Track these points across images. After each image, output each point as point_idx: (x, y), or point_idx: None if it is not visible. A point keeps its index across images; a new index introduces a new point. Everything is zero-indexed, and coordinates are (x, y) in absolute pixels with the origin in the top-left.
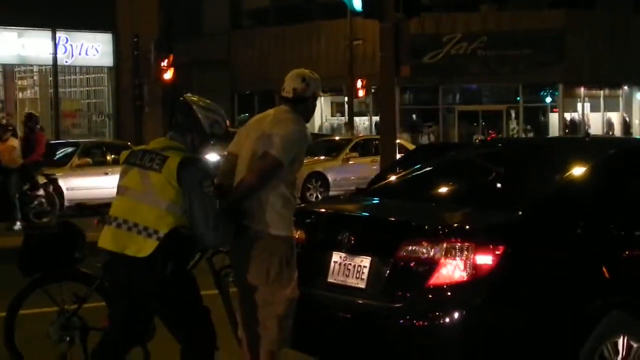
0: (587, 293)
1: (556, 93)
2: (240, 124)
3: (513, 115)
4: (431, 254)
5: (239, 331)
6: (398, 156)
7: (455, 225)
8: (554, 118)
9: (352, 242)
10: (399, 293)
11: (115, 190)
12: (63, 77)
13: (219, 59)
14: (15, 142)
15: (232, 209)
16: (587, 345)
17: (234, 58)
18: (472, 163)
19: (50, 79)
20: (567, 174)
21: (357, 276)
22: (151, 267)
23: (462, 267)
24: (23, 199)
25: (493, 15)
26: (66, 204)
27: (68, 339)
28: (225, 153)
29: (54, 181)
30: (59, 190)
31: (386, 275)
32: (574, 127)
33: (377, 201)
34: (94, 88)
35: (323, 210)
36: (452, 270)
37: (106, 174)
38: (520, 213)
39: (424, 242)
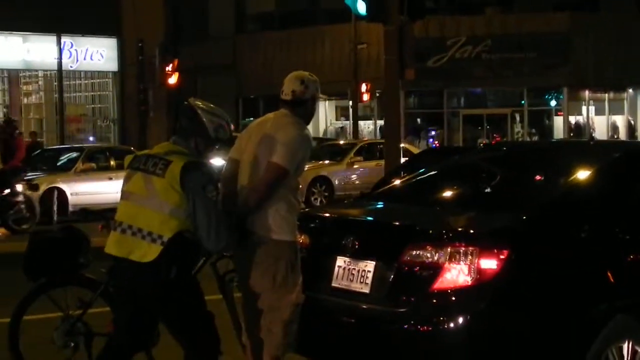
0: (592, 297)
1: (561, 96)
2: (245, 128)
3: (518, 118)
4: (435, 258)
5: (243, 337)
6: (402, 160)
7: (460, 229)
8: (558, 121)
9: (356, 246)
10: (403, 298)
11: (119, 195)
12: (68, 82)
13: (224, 63)
14: None
15: (241, 220)
16: (592, 349)
17: (238, 62)
18: (476, 167)
19: (55, 83)
20: (572, 178)
21: (361, 281)
22: (155, 272)
23: (466, 271)
24: (2, 205)
25: (498, 18)
26: (70, 209)
27: (72, 344)
28: (227, 158)
29: (34, 187)
30: (63, 196)
31: (390, 279)
32: (578, 131)
33: (381, 205)
34: (98, 93)
35: (327, 214)
36: (457, 274)
37: (110, 178)
38: (524, 217)
39: (428, 247)
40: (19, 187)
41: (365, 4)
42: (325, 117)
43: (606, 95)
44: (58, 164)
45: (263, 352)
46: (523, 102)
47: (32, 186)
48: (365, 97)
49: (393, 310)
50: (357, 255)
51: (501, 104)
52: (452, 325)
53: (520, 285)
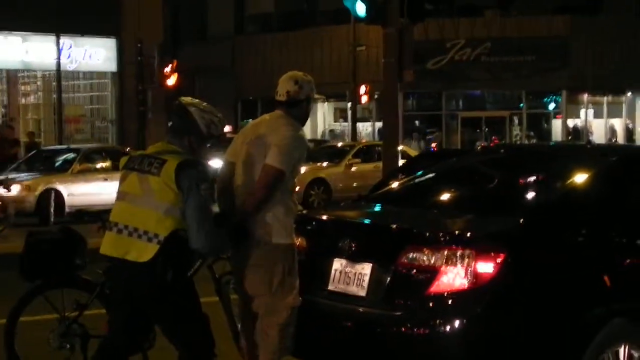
0: (588, 301)
1: (559, 99)
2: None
3: (516, 121)
4: (432, 261)
5: (241, 340)
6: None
7: (456, 232)
8: (557, 124)
9: (353, 249)
10: (399, 301)
11: (115, 195)
12: (66, 83)
13: (223, 64)
14: None
15: (240, 225)
16: (589, 353)
17: (237, 64)
18: (473, 170)
19: (54, 84)
20: (569, 181)
21: (358, 284)
22: (152, 272)
23: (463, 274)
24: None
25: (497, 21)
26: (67, 210)
27: (68, 346)
28: (223, 160)
29: (7, 186)
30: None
31: (387, 282)
32: (577, 134)
33: (379, 208)
34: (97, 93)
35: (324, 217)
36: (453, 277)
37: (106, 179)
38: (521, 220)
39: (425, 250)
40: None
41: (365, 6)
42: (324, 118)
43: (604, 98)
44: (55, 165)
45: (259, 355)
46: (522, 105)
47: (5, 185)
48: (364, 99)
49: (389, 314)
50: (354, 257)
51: (500, 107)
52: (448, 328)
53: (517, 288)
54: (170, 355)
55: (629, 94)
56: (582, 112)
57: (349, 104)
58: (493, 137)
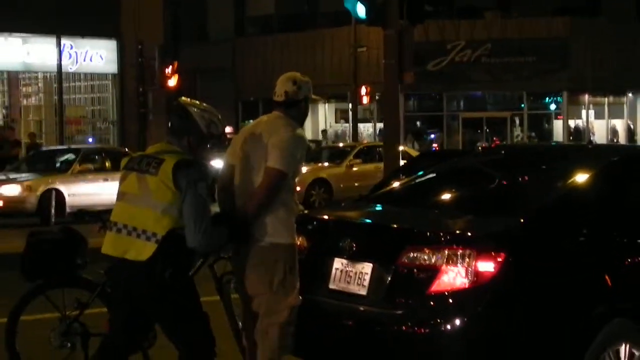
0: (589, 300)
1: (560, 100)
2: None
3: (517, 122)
4: (433, 260)
5: (244, 339)
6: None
7: (457, 232)
8: (558, 125)
9: (354, 248)
10: (400, 300)
11: (115, 196)
12: (67, 84)
13: (224, 66)
14: None
15: (241, 225)
16: (590, 352)
17: (238, 65)
18: (474, 170)
19: (55, 85)
20: (570, 181)
21: (359, 283)
22: (151, 271)
23: (463, 274)
24: None
25: (497, 22)
26: (67, 210)
27: (69, 345)
28: (224, 162)
29: None
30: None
31: (388, 282)
32: (578, 135)
33: (380, 208)
34: (98, 95)
35: (325, 216)
36: (454, 277)
37: (106, 180)
38: (522, 220)
39: (425, 249)
40: None
41: (365, 7)
42: (325, 119)
43: (606, 99)
44: (56, 165)
45: (259, 354)
46: (523, 105)
47: None
48: (365, 100)
49: (390, 313)
50: (355, 257)
51: (501, 108)
52: (449, 327)
53: (518, 288)
54: (171, 354)
55: (630, 94)
56: (583, 112)
57: (350, 105)
58: (494, 138)
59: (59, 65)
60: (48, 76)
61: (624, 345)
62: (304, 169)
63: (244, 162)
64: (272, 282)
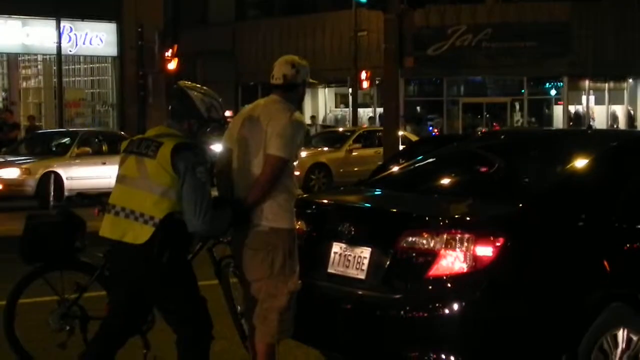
0: (587, 285)
1: (561, 85)
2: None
3: (517, 107)
4: (431, 245)
5: (244, 323)
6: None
7: (456, 216)
8: (558, 111)
9: (353, 232)
10: (399, 284)
11: (113, 179)
12: (67, 67)
13: (224, 49)
14: None
15: (240, 209)
16: (587, 337)
17: (238, 49)
18: (473, 155)
19: (54, 68)
20: (569, 166)
21: (357, 267)
22: (149, 254)
23: (462, 258)
24: None
25: (498, 7)
26: (66, 193)
27: (68, 328)
28: (221, 146)
29: None
30: (59, 180)
31: (386, 266)
32: (578, 120)
33: (378, 192)
34: (98, 78)
35: (324, 201)
36: (452, 261)
37: (104, 163)
38: (520, 205)
39: (424, 233)
40: None
41: None
42: (325, 104)
43: (606, 85)
44: (53, 148)
45: (256, 338)
46: (523, 91)
47: None
48: (365, 84)
49: (388, 297)
50: (354, 241)
51: (501, 93)
52: (447, 311)
53: (516, 272)
54: (169, 337)
55: (631, 80)
56: (584, 98)
57: (350, 90)
58: (494, 123)
59: (59, 48)
60: (48, 59)
61: (621, 330)
62: (303, 154)
63: (242, 146)
64: (272, 267)
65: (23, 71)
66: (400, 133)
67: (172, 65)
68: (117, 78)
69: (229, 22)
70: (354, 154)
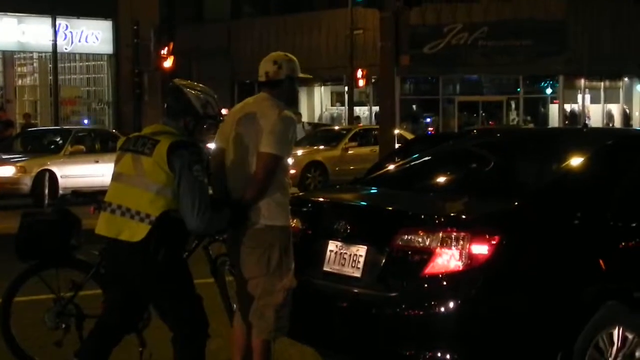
0: (582, 283)
1: (556, 84)
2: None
3: (513, 106)
4: (427, 243)
5: (234, 321)
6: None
7: (451, 214)
8: (554, 109)
9: (348, 231)
10: (394, 282)
11: (107, 177)
12: (63, 64)
13: (220, 47)
14: None
15: (237, 208)
16: (583, 335)
17: (234, 47)
18: (469, 153)
19: (50, 65)
20: (564, 164)
21: (353, 265)
22: (145, 252)
23: (457, 256)
24: None
25: (494, 5)
26: (60, 192)
27: (64, 326)
28: (214, 145)
29: None
30: (53, 179)
31: (382, 264)
32: (574, 119)
33: (374, 190)
34: (93, 75)
35: (320, 199)
36: (448, 259)
37: (97, 162)
38: (516, 203)
39: (419, 232)
40: None
41: None
42: (321, 102)
43: (602, 83)
44: (48, 146)
45: (252, 336)
46: (519, 89)
47: None
48: (361, 82)
49: (384, 295)
50: (349, 239)
51: (497, 91)
52: (442, 310)
53: (511, 270)
54: (165, 335)
55: (626, 79)
56: (579, 97)
57: (346, 88)
58: (490, 122)
59: (54, 46)
60: (43, 56)
61: (617, 328)
62: (299, 152)
63: (235, 145)
64: (269, 264)
65: (19, 69)
66: (396, 131)
67: (167, 63)
68: (112, 76)
69: (224, 19)
70: (349, 152)
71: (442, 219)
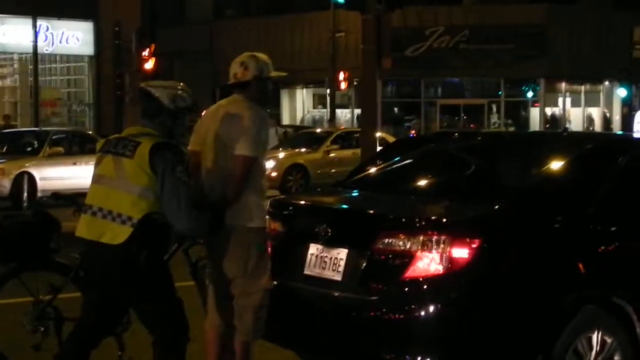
0: (562, 287)
1: (537, 88)
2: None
3: (494, 109)
4: (407, 246)
5: (206, 323)
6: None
7: (432, 217)
8: (535, 113)
9: (329, 234)
10: (375, 285)
11: (86, 179)
12: (43, 66)
13: (202, 48)
14: None
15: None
16: (562, 339)
17: (216, 48)
18: (450, 156)
19: (31, 67)
20: (545, 168)
21: (334, 268)
22: (126, 254)
23: (438, 260)
24: None
25: (476, 8)
26: (39, 194)
27: (42, 329)
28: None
29: None
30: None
31: (362, 267)
32: (554, 122)
33: (355, 193)
34: (74, 77)
35: (301, 202)
36: (429, 263)
37: (75, 164)
38: (496, 207)
39: (400, 235)
40: None
41: None
42: (303, 104)
43: (582, 87)
44: (24, 148)
45: (233, 338)
46: (500, 92)
47: None
48: (343, 85)
49: (365, 298)
50: (330, 242)
51: (478, 95)
52: (423, 313)
53: (492, 274)
54: (145, 338)
55: (607, 82)
56: (560, 100)
57: (328, 91)
58: (471, 125)
59: (35, 47)
60: (24, 57)
61: (596, 332)
62: (281, 154)
63: (210, 146)
64: (246, 265)
65: None
66: (378, 134)
67: (149, 65)
68: (93, 77)
69: (206, 21)
70: (331, 155)
71: (423, 222)
